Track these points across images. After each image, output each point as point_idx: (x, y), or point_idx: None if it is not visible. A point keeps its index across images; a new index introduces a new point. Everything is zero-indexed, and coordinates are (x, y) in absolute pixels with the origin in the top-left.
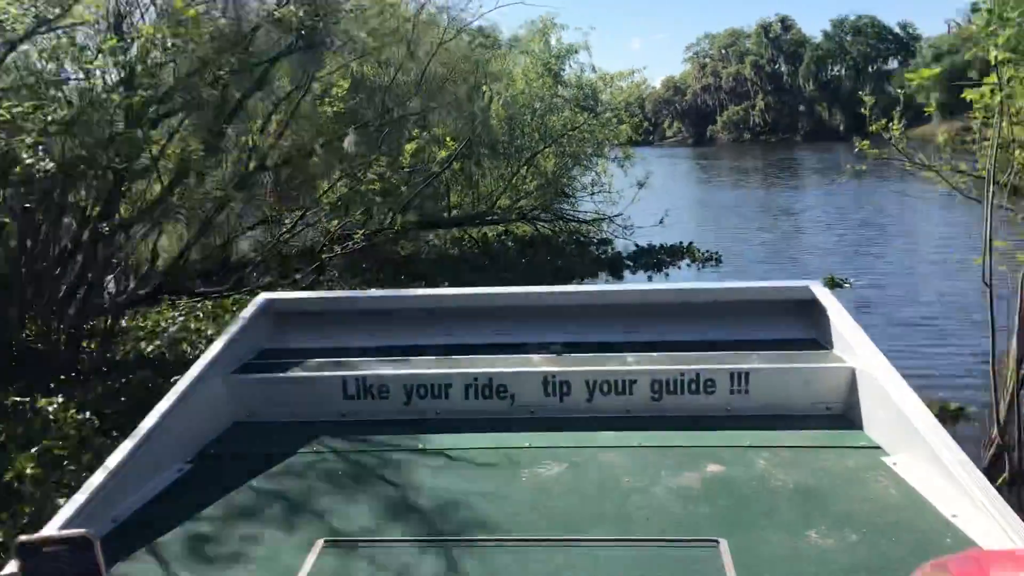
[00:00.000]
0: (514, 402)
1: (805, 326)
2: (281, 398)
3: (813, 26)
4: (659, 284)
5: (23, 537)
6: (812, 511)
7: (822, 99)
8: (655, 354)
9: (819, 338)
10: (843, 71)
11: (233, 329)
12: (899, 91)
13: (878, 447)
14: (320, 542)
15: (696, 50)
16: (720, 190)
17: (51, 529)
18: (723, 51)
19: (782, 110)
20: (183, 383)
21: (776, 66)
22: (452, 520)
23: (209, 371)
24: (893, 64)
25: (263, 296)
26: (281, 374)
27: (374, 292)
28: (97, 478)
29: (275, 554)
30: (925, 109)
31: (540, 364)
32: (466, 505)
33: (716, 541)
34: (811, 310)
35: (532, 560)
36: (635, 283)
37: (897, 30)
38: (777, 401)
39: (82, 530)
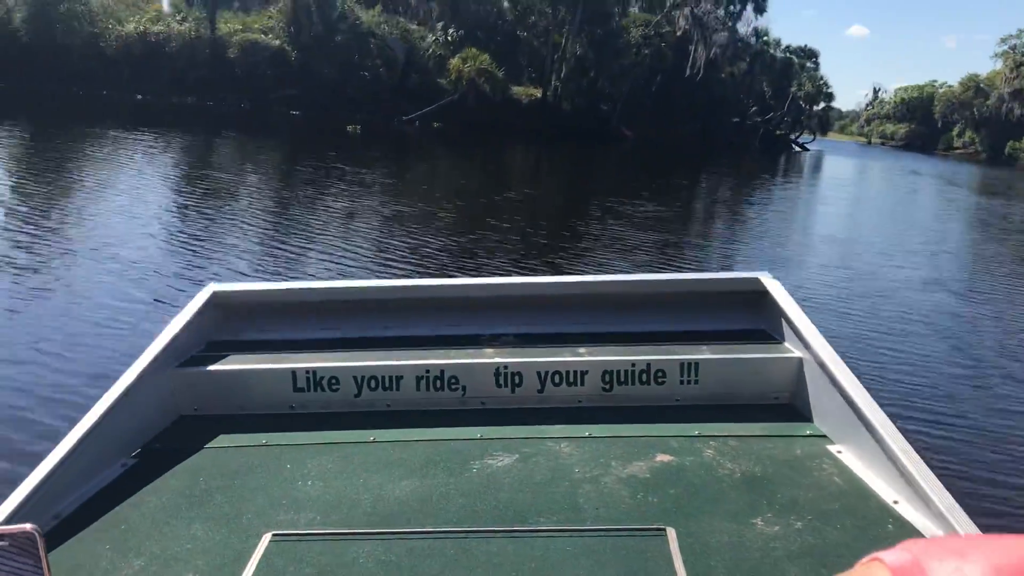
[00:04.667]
0: (465, 393)
1: (755, 317)
2: (228, 391)
3: None
4: (611, 276)
5: None
6: (758, 499)
7: None
8: (606, 345)
9: (768, 329)
10: None
11: (178, 321)
12: None
13: (824, 436)
14: (267, 536)
15: (1014, 43)
16: None
17: None
18: None
19: None
20: (125, 377)
21: None
22: (401, 512)
23: (152, 364)
24: None
25: (210, 287)
26: (228, 367)
27: (325, 283)
28: (37, 474)
29: (221, 549)
30: None
31: (492, 356)
32: (416, 497)
33: (663, 529)
34: (761, 301)
35: (482, 551)
36: (587, 275)
37: None
38: (726, 391)
39: (27, 525)
